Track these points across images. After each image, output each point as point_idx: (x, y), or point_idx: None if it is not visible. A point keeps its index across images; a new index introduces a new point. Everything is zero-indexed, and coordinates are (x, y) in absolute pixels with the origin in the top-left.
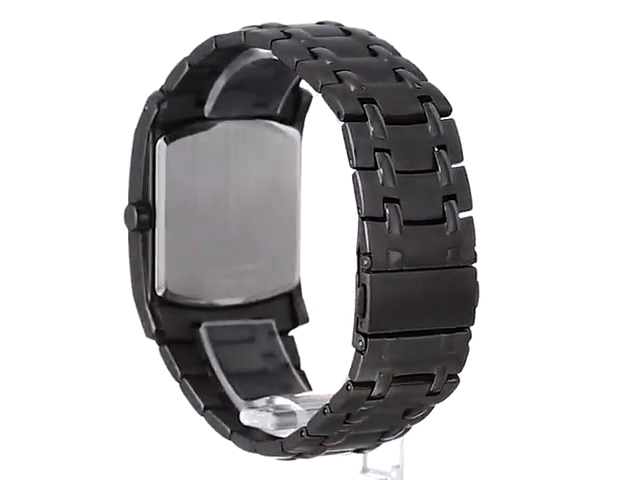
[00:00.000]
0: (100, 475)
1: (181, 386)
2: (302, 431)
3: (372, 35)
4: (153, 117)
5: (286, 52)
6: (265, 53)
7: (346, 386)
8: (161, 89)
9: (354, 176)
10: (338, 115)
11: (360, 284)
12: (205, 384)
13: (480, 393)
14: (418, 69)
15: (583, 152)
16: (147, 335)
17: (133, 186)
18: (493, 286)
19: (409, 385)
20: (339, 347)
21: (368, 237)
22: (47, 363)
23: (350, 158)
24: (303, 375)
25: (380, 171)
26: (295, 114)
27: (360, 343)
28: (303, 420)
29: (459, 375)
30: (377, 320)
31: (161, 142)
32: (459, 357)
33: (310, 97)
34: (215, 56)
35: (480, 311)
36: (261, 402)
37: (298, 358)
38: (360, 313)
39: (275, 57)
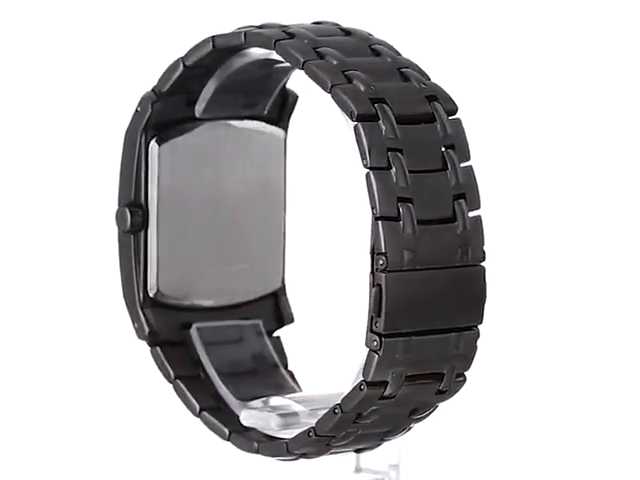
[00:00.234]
0: None
1: (175, 387)
2: (309, 431)
3: (371, 35)
4: (146, 118)
5: (291, 52)
6: (259, 54)
7: (359, 386)
8: (153, 90)
9: (368, 176)
10: (350, 115)
11: (375, 284)
12: (199, 385)
13: (478, 392)
14: (421, 69)
15: (584, 149)
16: (139, 337)
17: (124, 187)
18: (493, 285)
19: (420, 384)
20: (322, 347)
21: (383, 237)
22: (36, 368)
23: (363, 158)
24: (292, 375)
25: (393, 171)
26: (281, 114)
27: (375, 343)
28: (305, 420)
29: (465, 374)
30: (392, 320)
31: (153, 143)
32: (467, 356)
33: (296, 97)
34: (211, 57)
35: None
36: (257, 403)
37: (286, 358)
38: (375, 313)
39: (269, 58)
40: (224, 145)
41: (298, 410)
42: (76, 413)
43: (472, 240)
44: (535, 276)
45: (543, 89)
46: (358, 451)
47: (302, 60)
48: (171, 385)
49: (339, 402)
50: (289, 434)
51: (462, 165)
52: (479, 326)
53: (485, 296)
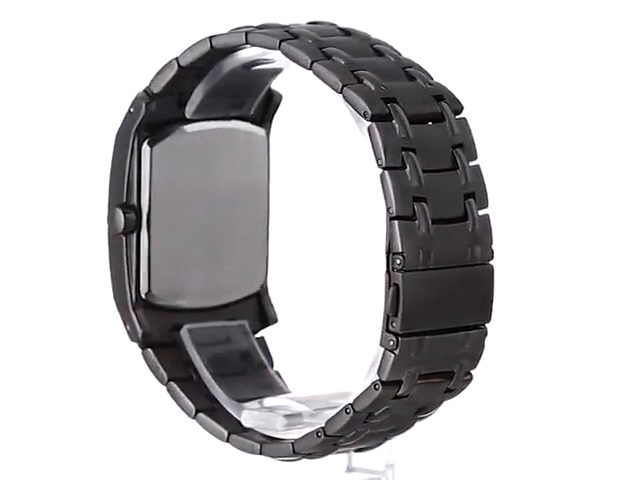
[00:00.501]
0: None
1: (168, 390)
2: (318, 432)
3: (370, 35)
4: (140, 119)
5: (298, 52)
6: (250, 55)
7: (373, 385)
8: (145, 90)
9: (383, 176)
10: (364, 115)
11: (392, 284)
12: (192, 386)
13: (476, 392)
14: (423, 68)
15: (584, 148)
16: (132, 339)
17: (116, 188)
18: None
19: (431, 383)
20: (304, 347)
21: (400, 237)
22: (27, 373)
23: (379, 158)
24: (279, 375)
25: (407, 170)
26: (264, 115)
27: (391, 342)
28: (308, 420)
29: (472, 372)
30: (409, 319)
31: (145, 144)
32: (474, 354)
33: (280, 98)
34: (206, 58)
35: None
36: (254, 404)
37: (271, 358)
38: (392, 312)
39: (259, 59)
40: (213, 146)
41: (301, 410)
42: (71, 420)
43: (482, 239)
44: (535, 276)
45: (537, 85)
46: (358, 450)
47: (310, 60)
48: (164, 387)
49: (351, 402)
50: (292, 434)
51: (470, 164)
52: (487, 324)
53: (493, 295)
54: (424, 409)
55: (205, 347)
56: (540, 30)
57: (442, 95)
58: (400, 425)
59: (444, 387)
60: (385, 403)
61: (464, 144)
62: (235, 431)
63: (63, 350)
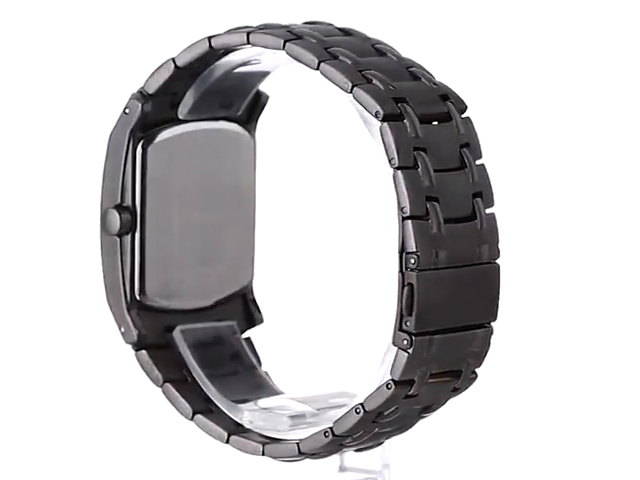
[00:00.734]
0: None
1: (164, 391)
2: (325, 432)
3: (368, 35)
4: (135, 119)
5: (304, 53)
6: (242, 57)
7: (386, 385)
8: (140, 91)
9: (396, 176)
10: (376, 115)
11: (406, 283)
12: (188, 388)
13: (474, 391)
14: (425, 68)
15: (584, 143)
16: (127, 341)
17: (110, 189)
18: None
19: (440, 382)
20: (291, 347)
21: (414, 236)
22: (22, 376)
23: (391, 158)
24: (268, 375)
25: (419, 170)
26: (251, 115)
27: (405, 342)
28: (311, 420)
29: (476, 371)
30: (423, 318)
31: (140, 145)
32: (480, 353)
33: (267, 99)
34: (205, 58)
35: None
36: (252, 405)
37: (259, 358)
38: (406, 312)
39: (251, 60)
40: (203, 146)
41: (304, 410)
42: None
43: (489, 238)
44: (535, 276)
45: (533, 84)
46: (359, 450)
47: (317, 60)
48: (160, 389)
49: (361, 401)
50: (295, 435)
51: (477, 163)
52: (492, 323)
53: (499, 293)
54: (429, 408)
55: (197, 348)
56: (540, 30)
57: (447, 95)
58: (405, 424)
59: (452, 386)
60: (396, 402)
61: (470, 143)
62: (234, 432)
63: (63, 354)
